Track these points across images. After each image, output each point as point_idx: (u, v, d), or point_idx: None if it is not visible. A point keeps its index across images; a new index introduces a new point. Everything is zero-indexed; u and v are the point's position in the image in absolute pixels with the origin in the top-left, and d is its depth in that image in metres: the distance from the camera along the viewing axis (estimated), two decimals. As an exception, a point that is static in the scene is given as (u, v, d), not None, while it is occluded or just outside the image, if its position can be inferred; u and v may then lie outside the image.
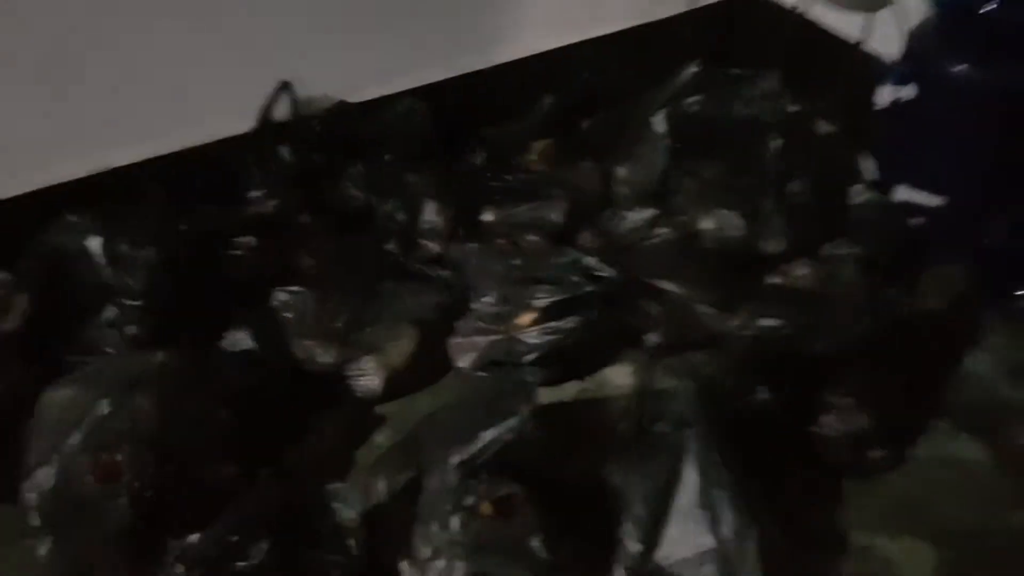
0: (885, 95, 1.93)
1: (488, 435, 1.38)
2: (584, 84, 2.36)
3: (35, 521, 1.42)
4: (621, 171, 2.20)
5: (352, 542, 1.33)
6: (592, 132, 2.36)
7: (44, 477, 1.42)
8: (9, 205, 1.83)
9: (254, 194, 2.01)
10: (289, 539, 1.28)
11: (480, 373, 1.81)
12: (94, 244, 1.70)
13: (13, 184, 1.82)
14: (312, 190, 2.04)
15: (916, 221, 2.01)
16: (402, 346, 1.80)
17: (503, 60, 2.30)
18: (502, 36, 2.29)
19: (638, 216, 2.08)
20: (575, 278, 1.86)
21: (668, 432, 1.53)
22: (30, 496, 1.43)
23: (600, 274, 1.88)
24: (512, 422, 1.38)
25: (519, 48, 2.31)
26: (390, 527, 1.45)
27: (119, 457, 1.36)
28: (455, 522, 1.32)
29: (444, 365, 1.85)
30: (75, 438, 1.43)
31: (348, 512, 1.34)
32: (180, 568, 1.21)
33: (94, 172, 1.87)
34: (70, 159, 1.84)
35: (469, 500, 1.33)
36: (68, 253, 1.73)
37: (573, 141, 2.31)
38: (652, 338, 1.88)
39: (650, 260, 1.98)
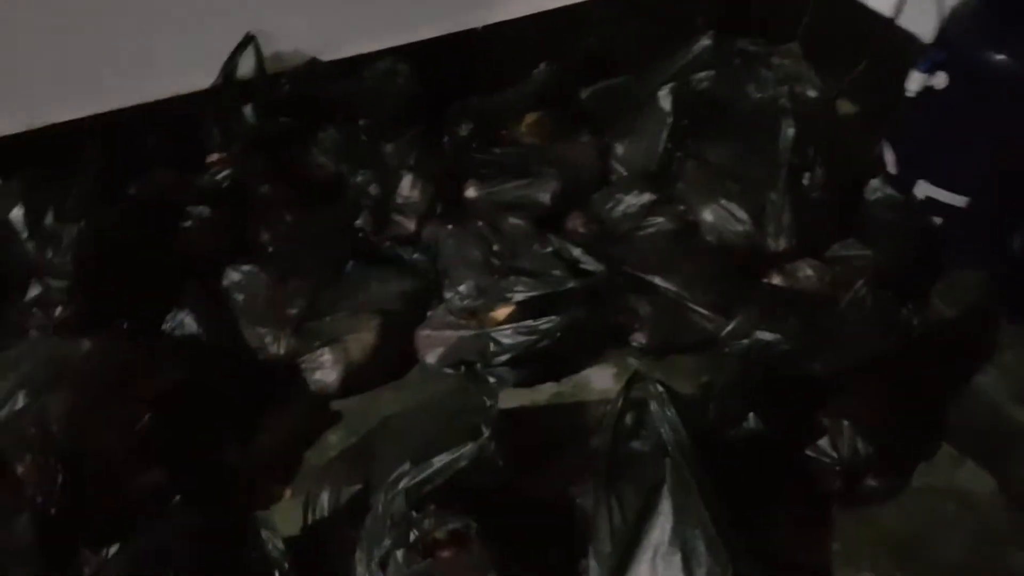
0: (915, 81, 1.75)
1: (440, 460, 1.24)
2: (585, 50, 2.17)
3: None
4: (619, 148, 2.04)
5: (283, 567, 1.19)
6: (591, 103, 2.18)
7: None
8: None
9: (212, 158, 1.84)
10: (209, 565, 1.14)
11: (448, 370, 1.67)
12: (17, 215, 1.53)
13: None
14: (276, 156, 1.87)
15: (935, 222, 1.85)
16: (363, 338, 1.64)
17: (498, 19, 2.11)
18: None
19: (634, 200, 1.92)
20: (557, 272, 1.71)
21: (645, 453, 1.39)
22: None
23: (585, 267, 1.72)
24: (468, 448, 1.24)
25: (516, 6, 2.12)
26: (331, 545, 1.33)
27: (24, 468, 1.21)
28: (398, 557, 1.19)
29: (410, 358, 1.71)
30: (-15, 432, 1.29)
31: (276, 541, 1.20)
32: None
33: (30, 128, 1.69)
34: (3, 113, 1.66)
35: (417, 533, 1.19)
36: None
37: (569, 113, 2.13)
38: (639, 339, 1.74)
39: (643, 252, 1.82)
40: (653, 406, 1.33)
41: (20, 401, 1.29)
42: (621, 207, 1.91)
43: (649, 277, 1.76)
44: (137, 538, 1.16)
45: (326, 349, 1.62)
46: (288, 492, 1.49)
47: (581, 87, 2.19)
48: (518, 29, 2.14)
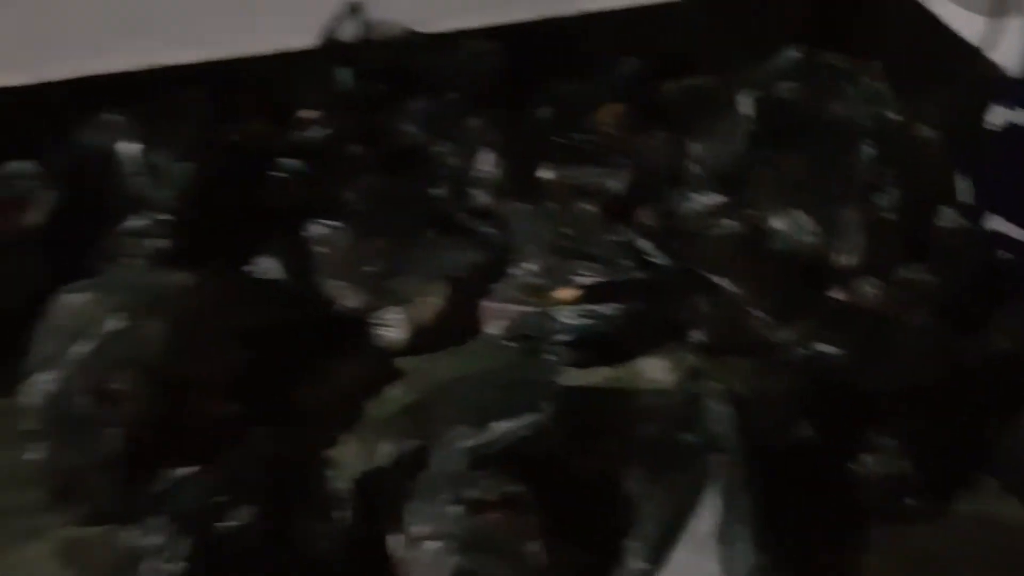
0: (999, 115, 1.75)
1: (503, 427, 1.30)
2: (671, 48, 2.19)
3: (31, 425, 1.39)
4: (696, 148, 2.06)
5: (343, 513, 1.26)
6: (671, 100, 2.21)
7: (45, 383, 1.38)
8: (42, 90, 1.76)
9: (306, 116, 1.91)
10: (277, 503, 1.22)
11: (509, 343, 1.73)
12: (129, 149, 1.62)
13: (52, 69, 1.75)
14: (366, 120, 1.93)
15: (1003, 256, 1.85)
16: (432, 302, 1.71)
17: (590, 8, 2.15)
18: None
19: (705, 200, 1.94)
20: (625, 261, 1.76)
21: (697, 447, 1.43)
22: (28, 399, 1.39)
23: (652, 260, 1.77)
24: (530, 418, 1.29)
25: (605, -2, 2.16)
26: (386, 494, 1.39)
27: (121, 384, 1.30)
28: (453, 512, 1.25)
29: (472, 328, 1.77)
30: (82, 348, 1.38)
31: (342, 481, 1.28)
32: (161, 520, 1.15)
33: (139, 68, 1.77)
34: (116, 49, 1.76)
35: (472, 492, 1.25)
36: (100, 154, 1.65)
37: (649, 108, 2.16)
38: (696, 336, 1.78)
39: (709, 251, 1.85)
40: (711, 402, 1.38)
41: (119, 322, 1.38)
42: (692, 205, 1.94)
43: (713, 277, 1.79)
44: (216, 461, 1.24)
45: (397, 308, 1.69)
46: (348, 438, 1.56)
47: (663, 84, 2.22)
48: (607, 21, 2.17)
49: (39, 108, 1.71)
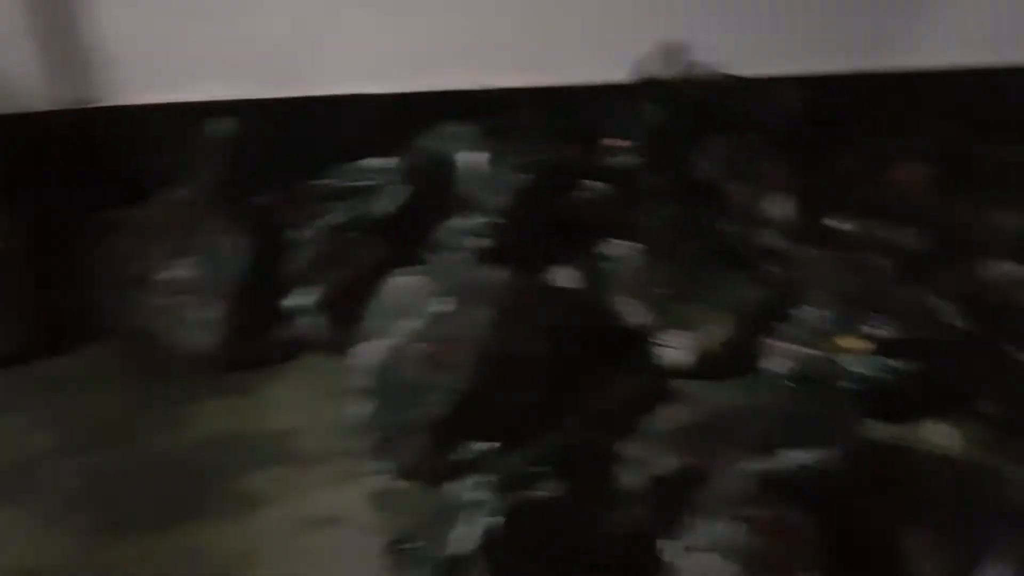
0: None
1: (791, 456, 1.32)
2: (989, 114, 2.12)
3: (362, 383, 1.58)
4: (1003, 217, 1.98)
5: (631, 509, 1.34)
6: (979, 166, 2.13)
7: (377, 349, 1.59)
8: (403, 100, 2.03)
9: (613, 143, 2.05)
10: (578, 485, 1.32)
11: (789, 383, 1.74)
12: (468, 157, 1.83)
13: (413, 82, 2.01)
14: (669, 153, 2.03)
15: None
16: (720, 331, 1.76)
17: (904, 67, 2.13)
18: (911, 41, 2.12)
19: (1010, 271, 1.86)
20: (919, 319, 1.71)
21: (986, 516, 1.38)
22: (361, 361, 1.59)
23: (949, 323, 1.72)
24: (823, 453, 1.31)
25: (925, 58, 2.13)
26: (663, 503, 1.45)
27: (449, 357, 1.47)
28: (731, 528, 1.29)
29: (751, 362, 1.79)
30: (410, 324, 1.57)
31: (634, 479, 1.36)
32: (484, 480, 1.29)
33: (480, 88, 2.00)
34: (451, 71, 2.01)
35: (753, 513, 1.28)
36: (442, 159, 1.87)
37: (954, 171, 2.10)
38: (987, 406, 1.70)
39: (1012, 323, 1.77)
40: (1016, 472, 1.32)
41: (450, 305, 1.56)
42: (995, 275, 1.87)
43: (1013, 351, 1.71)
44: (530, 439, 1.37)
45: (683, 333, 1.76)
46: (625, 446, 1.63)
47: (975, 149, 2.15)
48: (920, 81, 2.15)
49: (400, 114, 1.99)
